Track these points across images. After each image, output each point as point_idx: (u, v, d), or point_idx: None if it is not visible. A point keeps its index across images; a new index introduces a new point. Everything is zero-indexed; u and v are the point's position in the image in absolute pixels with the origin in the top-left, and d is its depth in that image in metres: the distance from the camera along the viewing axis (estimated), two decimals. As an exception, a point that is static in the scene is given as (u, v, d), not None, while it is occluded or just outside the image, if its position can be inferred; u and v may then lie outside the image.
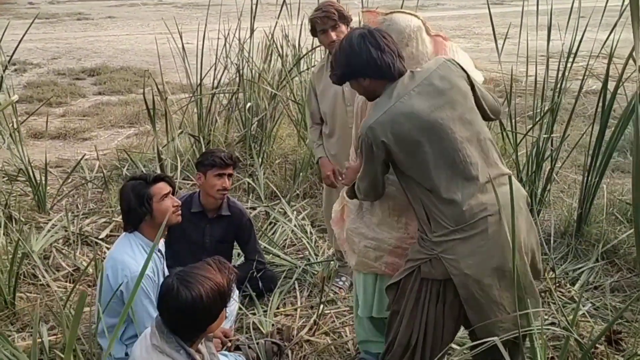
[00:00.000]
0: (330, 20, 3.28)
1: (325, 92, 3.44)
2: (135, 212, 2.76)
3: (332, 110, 3.43)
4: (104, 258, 3.87)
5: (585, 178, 4.03)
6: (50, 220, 4.45)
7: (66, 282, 3.76)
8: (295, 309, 3.54)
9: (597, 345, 2.94)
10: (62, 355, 2.88)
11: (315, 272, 3.89)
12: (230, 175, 3.48)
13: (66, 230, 4.32)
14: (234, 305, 3.24)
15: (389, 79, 2.32)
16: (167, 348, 2.12)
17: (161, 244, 2.91)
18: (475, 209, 2.24)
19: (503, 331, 2.28)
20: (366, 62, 2.30)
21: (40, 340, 2.90)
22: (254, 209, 4.68)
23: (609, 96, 3.89)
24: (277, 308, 3.53)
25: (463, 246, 2.26)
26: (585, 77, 4.11)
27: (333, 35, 3.28)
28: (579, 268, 3.88)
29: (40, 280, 3.72)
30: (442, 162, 2.25)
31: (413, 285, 2.38)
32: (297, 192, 5.01)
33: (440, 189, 2.25)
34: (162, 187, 2.80)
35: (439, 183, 2.25)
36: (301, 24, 5.56)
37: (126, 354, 2.75)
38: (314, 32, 3.40)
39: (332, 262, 3.91)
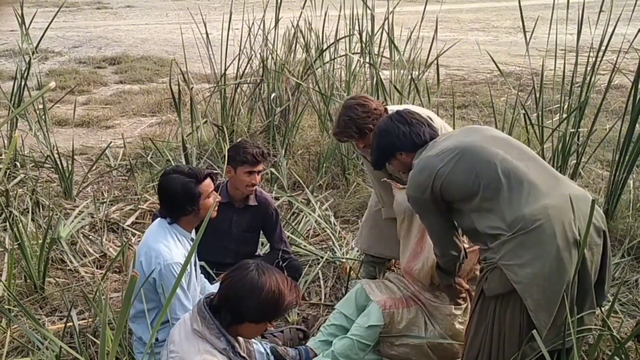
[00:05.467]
0: (352, 138, 3.16)
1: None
2: (183, 208, 2.77)
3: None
4: (131, 245, 3.94)
5: (613, 174, 3.99)
6: (76, 207, 4.51)
7: (93, 267, 3.81)
8: (320, 299, 3.56)
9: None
10: (94, 339, 2.93)
11: (340, 263, 3.91)
12: (260, 171, 3.49)
13: (93, 217, 4.37)
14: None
15: (422, 146, 2.52)
16: (208, 334, 2.12)
17: (193, 233, 2.94)
18: (537, 214, 2.19)
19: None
20: (397, 137, 2.54)
21: (71, 324, 2.94)
22: (277, 199, 4.69)
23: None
24: (302, 298, 3.55)
25: (522, 250, 2.19)
26: (614, 72, 4.05)
27: (361, 144, 3.17)
28: (606, 264, 3.85)
29: (68, 266, 3.78)
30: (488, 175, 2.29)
31: (476, 305, 2.40)
32: (320, 182, 5.02)
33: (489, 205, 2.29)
34: (209, 185, 2.82)
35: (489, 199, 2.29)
36: (325, 15, 5.55)
37: (156, 340, 2.78)
38: None
39: (357, 258, 3.91)
